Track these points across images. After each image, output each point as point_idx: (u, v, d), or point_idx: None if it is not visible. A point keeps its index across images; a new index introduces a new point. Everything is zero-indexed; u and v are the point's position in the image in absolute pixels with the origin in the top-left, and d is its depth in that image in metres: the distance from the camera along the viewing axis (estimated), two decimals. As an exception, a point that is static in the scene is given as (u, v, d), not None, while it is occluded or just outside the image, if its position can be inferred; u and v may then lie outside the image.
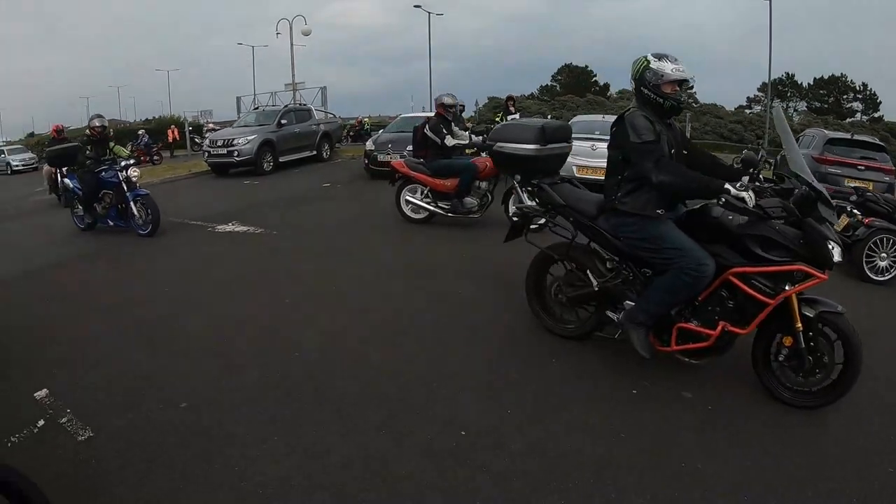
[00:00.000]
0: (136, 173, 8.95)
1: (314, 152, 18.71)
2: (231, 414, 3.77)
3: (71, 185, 9.75)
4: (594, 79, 72.14)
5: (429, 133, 8.23)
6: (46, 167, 14.25)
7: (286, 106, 20.80)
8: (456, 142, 8.29)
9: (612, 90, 68.64)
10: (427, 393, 3.96)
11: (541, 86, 71.40)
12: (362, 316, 5.33)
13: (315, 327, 5.09)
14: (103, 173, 9.02)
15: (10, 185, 23.18)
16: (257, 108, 21.74)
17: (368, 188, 13.17)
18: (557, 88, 69.72)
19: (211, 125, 29.62)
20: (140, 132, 28.54)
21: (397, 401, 3.87)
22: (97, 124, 9.39)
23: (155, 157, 25.12)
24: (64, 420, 3.76)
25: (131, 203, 8.85)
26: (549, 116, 35.73)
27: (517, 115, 14.54)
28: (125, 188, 8.80)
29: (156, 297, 6.01)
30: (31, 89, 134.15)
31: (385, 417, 3.67)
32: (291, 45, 26.76)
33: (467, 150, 8.99)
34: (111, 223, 9.24)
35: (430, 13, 38.11)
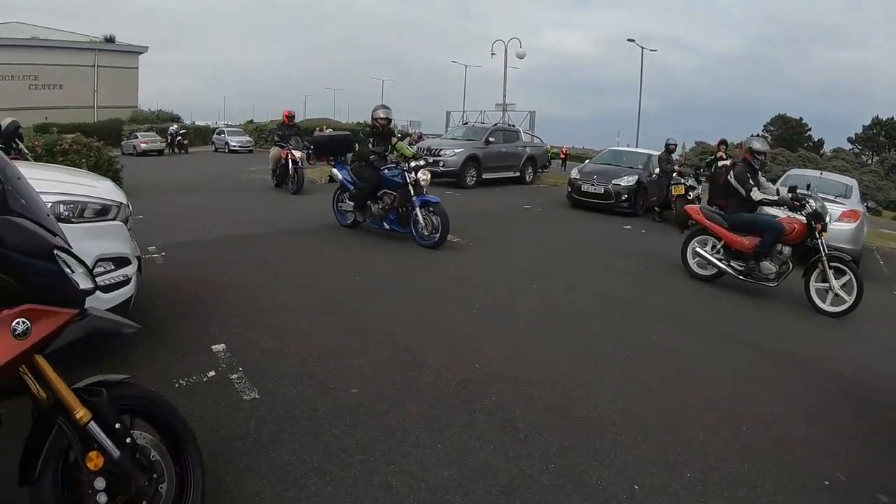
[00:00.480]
0: (426, 177, 8.02)
1: (517, 174, 18.27)
2: (399, 409, 3.34)
3: (340, 177, 8.83)
4: (808, 132, 66.45)
5: (733, 181, 7.10)
6: (275, 149, 14.08)
7: (495, 124, 20.99)
8: (763, 196, 7.03)
9: (826, 147, 62.63)
10: (600, 434, 3.24)
11: (751, 135, 66.89)
12: (556, 336, 4.70)
13: (505, 340, 4.56)
14: (385, 171, 8.24)
15: (228, 162, 25.78)
16: (467, 124, 22.13)
17: (570, 217, 12.54)
18: (768, 140, 65.24)
19: (417, 134, 30.56)
20: (319, 129, 29.38)
21: (572, 434, 3.23)
22: (381, 115, 8.48)
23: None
24: (234, 376, 3.58)
25: (418, 209, 7.90)
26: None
27: (727, 162, 13.20)
28: (412, 192, 7.90)
29: (351, 285, 5.86)
30: (254, 80, 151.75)
31: (558, 449, 3.06)
32: (505, 66, 26.96)
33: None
34: (387, 226, 8.35)
35: (643, 48, 35.43)
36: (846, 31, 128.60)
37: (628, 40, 35.69)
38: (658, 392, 3.88)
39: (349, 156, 9.24)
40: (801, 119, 67.16)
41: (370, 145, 8.32)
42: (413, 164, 7.99)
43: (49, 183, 3.56)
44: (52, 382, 1.76)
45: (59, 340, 1.74)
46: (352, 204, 8.67)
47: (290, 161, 13.32)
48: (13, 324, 1.61)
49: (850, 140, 64.83)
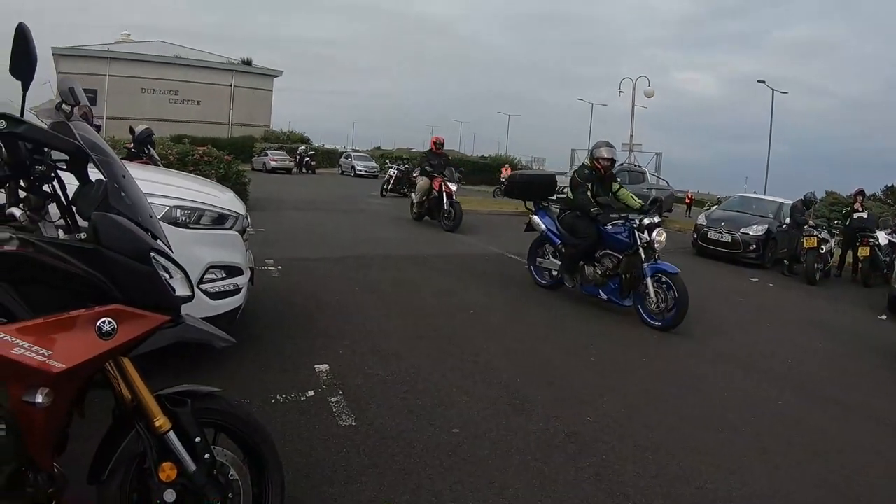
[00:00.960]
0: (661, 238, 6.21)
1: None
2: (501, 455, 3.04)
3: (543, 228, 7.22)
4: None
5: None
6: (424, 179, 12.69)
7: (622, 164, 20.38)
8: None
9: None
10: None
11: (885, 186, 60.99)
12: (668, 395, 4.19)
13: (618, 396, 4.12)
14: (609, 226, 6.49)
15: (353, 185, 26.64)
16: None
17: (695, 265, 11.39)
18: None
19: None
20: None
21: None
22: (605, 155, 6.80)
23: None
24: (333, 399, 3.44)
25: (649, 279, 6.06)
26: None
27: (864, 214, 11.92)
28: (642, 256, 6.13)
29: (468, 321, 5.62)
30: (383, 110, 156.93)
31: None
32: (633, 104, 26.07)
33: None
34: (604, 296, 6.57)
35: (773, 90, 32.10)
36: None
37: (758, 81, 33.23)
38: (786, 469, 3.32)
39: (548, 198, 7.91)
40: None
41: (585, 189, 6.71)
42: (647, 220, 6.27)
43: (169, 187, 3.63)
44: (135, 385, 1.68)
45: (146, 345, 1.64)
46: (556, 262, 7.14)
47: (443, 193, 12.22)
48: (99, 322, 1.53)
49: None
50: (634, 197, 7.05)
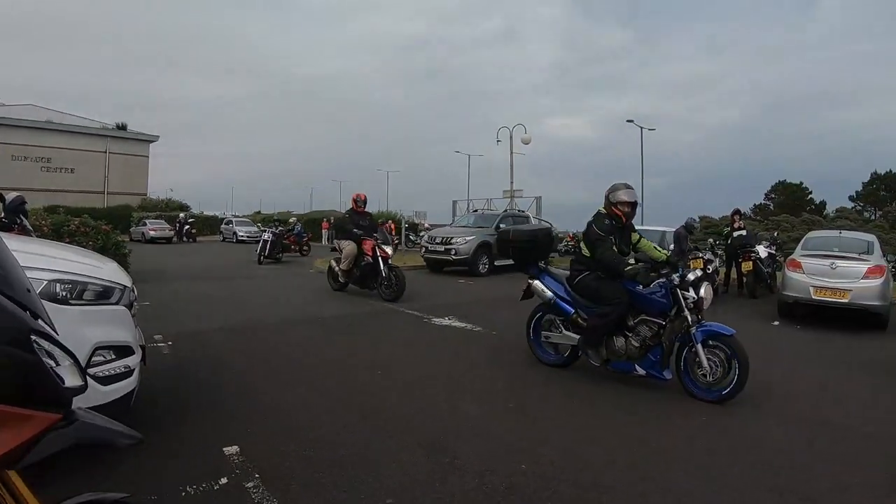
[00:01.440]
0: (709, 295, 5.34)
1: None
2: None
3: (549, 296, 5.95)
4: (809, 196, 66.90)
5: None
6: (350, 244, 11.06)
7: (506, 210, 20.85)
8: None
9: (829, 208, 62.80)
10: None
11: (754, 204, 67.45)
12: (597, 428, 4.12)
13: (549, 442, 3.97)
14: (639, 287, 5.36)
15: (237, 251, 26.01)
16: (477, 211, 21.94)
17: None
18: (771, 207, 65.33)
19: (427, 225, 31.05)
20: (292, 220, 29.21)
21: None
22: (626, 199, 5.60)
23: (304, 248, 24.14)
24: (250, 485, 3.08)
25: (699, 344, 5.04)
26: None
27: (743, 232, 12.97)
28: (689, 320, 5.11)
29: (377, 382, 5.32)
30: (261, 172, 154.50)
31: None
32: (511, 152, 27.04)
33: None
34: (641, 371, 5.42)
35: (642, 128, 35.59)
36: (836, 94, 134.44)
37: (627, 121, 36.70)
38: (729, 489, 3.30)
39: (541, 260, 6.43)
40: (801, 183, 68.03)
41: (608, 241, 5.51)
42: (690, 276, 5.32)
43: (46, 259, 3.20)
44: (28, 503, 1.35)
45: (35, 452, 1.28)
46: (571, 335, 5.84)
47: (378, 259, 10.67)
48: None
49: (850, 198, 65.39)
50: (658, 248, 5.93)
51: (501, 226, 17.07)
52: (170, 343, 6.20)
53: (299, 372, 5.50)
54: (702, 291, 5.20)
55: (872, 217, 59.92)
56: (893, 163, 64.50)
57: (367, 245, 10.83)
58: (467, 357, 6.48)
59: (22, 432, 1.26)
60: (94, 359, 3.07)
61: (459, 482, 3.26)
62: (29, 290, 1.48)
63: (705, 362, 4.99)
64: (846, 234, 11.55)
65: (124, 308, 3.46)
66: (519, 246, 6.62)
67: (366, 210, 11.85)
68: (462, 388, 5.22)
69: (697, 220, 13.67)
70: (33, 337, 1.34)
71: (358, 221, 11.30)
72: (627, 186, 5.72)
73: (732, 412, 4.74)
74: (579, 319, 5.70)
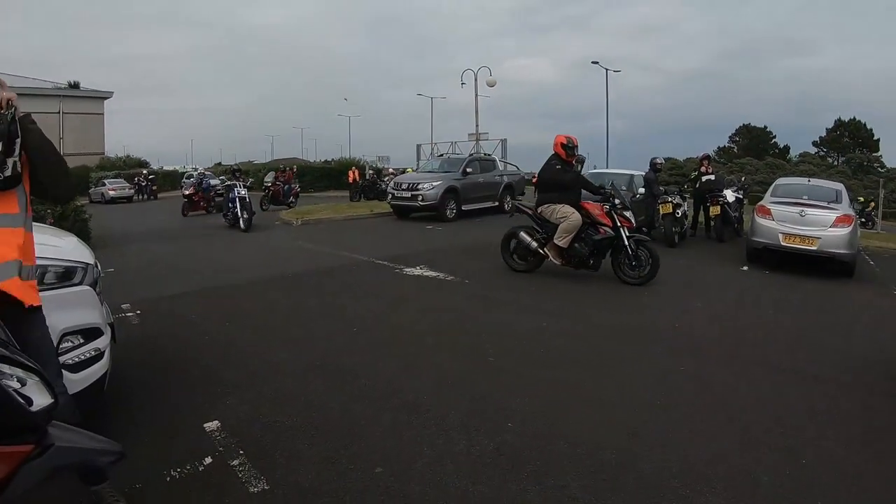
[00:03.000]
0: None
1: (496, 203, 17.78)
2: (437, 487, 2.80)
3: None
4: (773, 140, 68.75)
5: None
6: (576, 215, 7.87)
7: (471, 154, 20.56)
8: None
9: (793, 152, 64.90)
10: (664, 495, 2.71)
11: (718, 147, 68.66)
12: (578, 383, 4.19)
13: (528, 394, 4.01)
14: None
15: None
16: (442, 155, 21.67)
17: None
18: (735, 150, 66.53)
19: (391, 170, 30.47)
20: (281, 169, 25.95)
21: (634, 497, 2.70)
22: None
23: (290, 201, 22.30)
24: (235, 462, 3.02)
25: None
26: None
27: (712, 177, 13.13)
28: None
29: (353, 341, 5.29)
30: (221, 124, 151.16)
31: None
32: (476, 95, 26.87)
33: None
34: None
35: (607, 70, 35.82)
36: (801, 40, 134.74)
37: (592, 62, 36.27)
38: (719, 439, 3.37)
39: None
40: (765, 127, 68.97)
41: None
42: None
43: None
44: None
45: (12, 489, 1.18)
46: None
47: (621, 230, 7.83)
48: None
49: (814, 143, 66.89)
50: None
51: (468, 170, 16.92)
52: (138, 312, 6.03)
53: (273, 335, 5.40)
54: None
55: (835, 163, 61.11)
56: (857, 110, 65.68)
57: (597, 210, 8.00)
58: (442, 308, 6.48)
59: (-6, 469, 1.15)
60: (61, 346, 2.93)
61: (447, 445, 3.25)
62: None
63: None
64: (815, 181, 11.73)
65: (88, 287, 3.29)
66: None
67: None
68: (440, 343, 5.20)
69: (662, 160, 13.70)
70: None
71: (564, 177, 8.16)
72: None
73: (705, 361, 4.83)
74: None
